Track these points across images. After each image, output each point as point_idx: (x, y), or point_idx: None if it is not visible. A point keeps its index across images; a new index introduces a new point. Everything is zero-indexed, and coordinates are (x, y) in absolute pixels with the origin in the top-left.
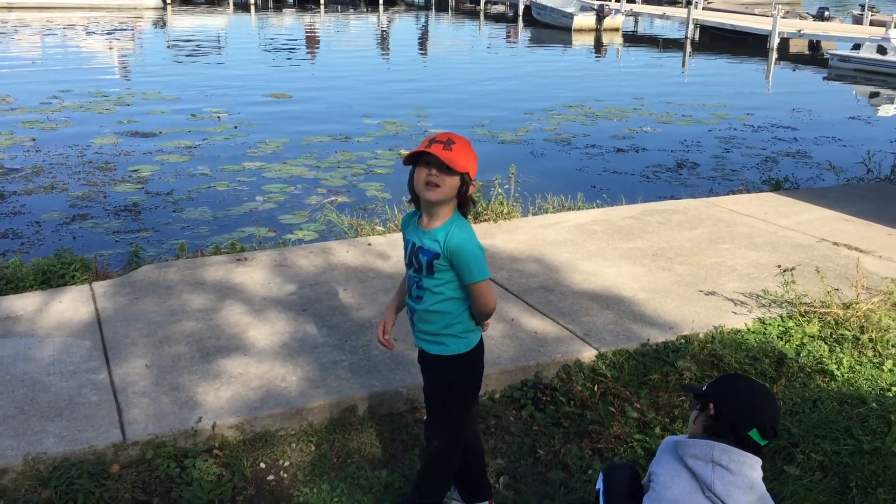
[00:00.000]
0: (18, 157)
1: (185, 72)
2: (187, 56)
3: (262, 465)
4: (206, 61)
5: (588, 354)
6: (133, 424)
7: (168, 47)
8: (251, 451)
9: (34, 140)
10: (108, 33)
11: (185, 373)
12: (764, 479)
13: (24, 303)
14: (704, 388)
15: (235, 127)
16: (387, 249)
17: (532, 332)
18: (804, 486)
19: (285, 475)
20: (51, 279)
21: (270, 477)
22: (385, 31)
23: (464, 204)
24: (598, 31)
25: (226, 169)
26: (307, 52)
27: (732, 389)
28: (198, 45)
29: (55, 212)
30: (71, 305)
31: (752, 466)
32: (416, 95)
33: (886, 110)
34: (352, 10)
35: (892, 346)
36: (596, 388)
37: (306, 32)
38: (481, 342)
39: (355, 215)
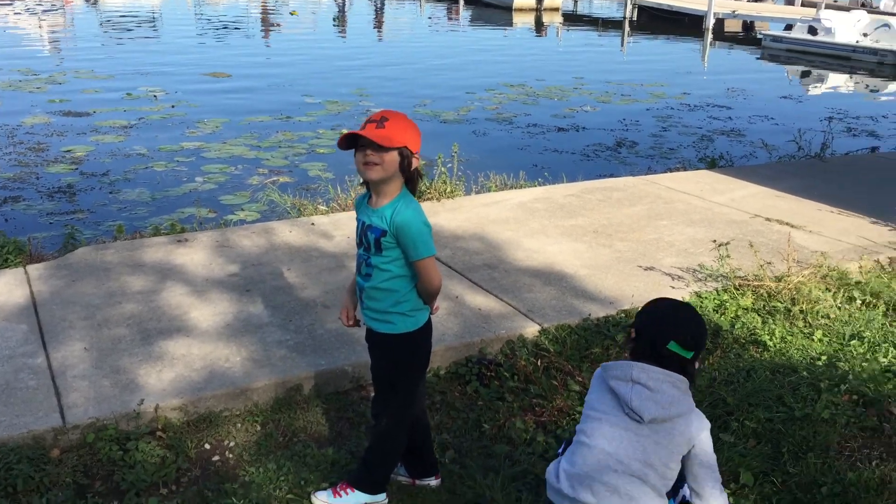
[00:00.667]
0: None
1: (118, 50)
2: (121, 34)
3: (207, 446)
4: (140, 39)
5: (531, 330)
6: (73, 408)
7: (100, 24)
8: (195, 432)
9: None
10: (36, 10)
11: (126, 355)
12: None
13: None
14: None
15: (173, 106)
16: (330, 229)
17: (476, 309)
18: (738, 452)
19: (231, 455)
20: None
21: (216, 457)
22: (342, 9)
23: (410, 179)
24: (538, 10)
25: (164, 149)
26: (261, 30)
27: (651, 309)
28: (132, 23)
29: None
30: (5, 289)
31: (673, 384)
32: (358, 75)
33: (816, 89)
34: None
35: (822, 316)
36: (539, 363)
37: (262, 12)
38: (429, 322)
39: (298, 195)
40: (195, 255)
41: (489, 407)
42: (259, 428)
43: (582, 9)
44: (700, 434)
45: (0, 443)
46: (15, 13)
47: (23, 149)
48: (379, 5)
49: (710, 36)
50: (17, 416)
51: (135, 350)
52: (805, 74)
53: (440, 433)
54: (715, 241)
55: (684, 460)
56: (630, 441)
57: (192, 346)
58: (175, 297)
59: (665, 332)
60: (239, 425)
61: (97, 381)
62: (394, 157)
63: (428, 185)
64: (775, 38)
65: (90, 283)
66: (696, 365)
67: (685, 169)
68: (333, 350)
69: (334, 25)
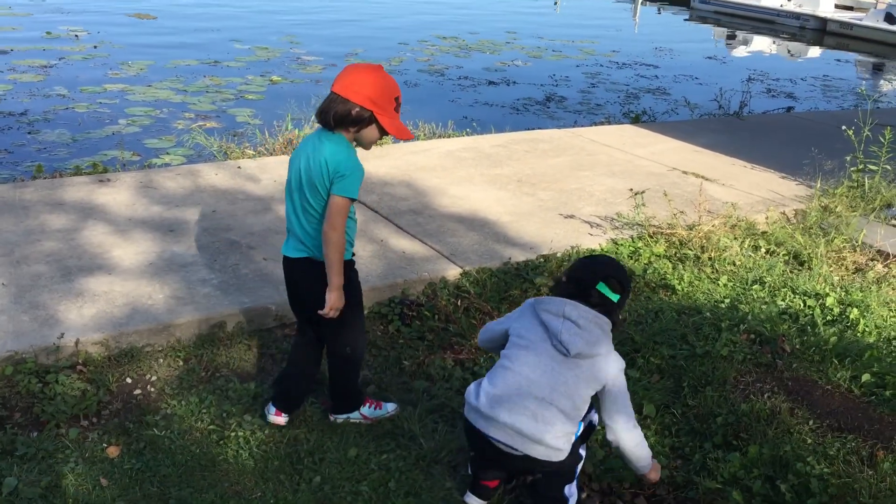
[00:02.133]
0: None
1: None
2: None
3: (129, 381)
4: None
5: (453, 273)
6: None
7: None
8: (117, 366)
9: None
10: None
11: (46, 291)
12: None
13: None
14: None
15: (95, 47)
16: (257, 173)
17: (401, 252)
18: (643, 386)
19: (152, 389)
20: None
21: (137, 391)
22: None
23: None
24: None
25: (85, 90)
26: None
27: (581, 259)
28: None
29: None
30: None
31: (600, 325)
32: (288, 22)
33: (740, 51)
34: None
35: (728, 263)
36: (459, 304)
37: None
38: (352, 259)
39: (225, 140)
40: (118, 195)
41: (409, 345)
42: (182, 363)
43: None
44: (616, 373)
45: None
46: None
47: None
48: None
49: None
50: None
51: (55, 287)
52: (730, 37)
53: (362, 370)
54: (631, 189)
55: (599, 395)
56: (552, 371)
57: (115, 284)
58: (97, 235)
59: (595, 275)
60: (161, 360)
61: (16, 316)
62: None
63: None
64: (704, 0)
65: (8, 221)
66: (620, 315)
67: (610, 123)
68: (257, 289)
69: None
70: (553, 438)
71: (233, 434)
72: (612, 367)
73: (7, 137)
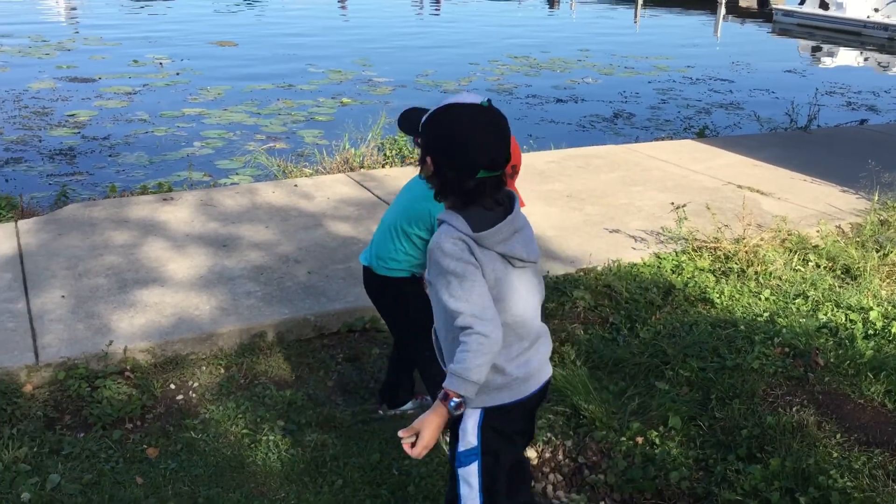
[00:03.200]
0: None
1: (131, 18)
2: (136, 3)
3: (172, 386)
4: (153, 8)
5: None
6: (47, 348)
7: None
8: (161, 373)
9: None
10: None
11: (102, 302)
12: (635, 394)
13: None
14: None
15: (177, 73)
16: (312, 190)
17: None
18: (670, 398)
19: (194, 395)
20: None
21: (179, 396)
22: None
23: None
24: None
25: (165, 115)
26: (339, 6)
27: (446, 134)
28: None
29: None
30: None
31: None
32: (363, 45)
33: (823, 64)
34: None
35: (774, 277)
36: None
37: None
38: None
39: (290, 160)
40: (179, 212)
41: None
42: (223, 371)
43: None
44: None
45: None
46: None
47: (28, 112)
48: None
49: (722, 10)
50: None
51: (110, 298)
52: (815, 49)
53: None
54: (672, 202)
55: None
56: (537, 288)
57: (165, 296)
58: (155, 250)
59: (470, 162)
60: (203, 368)
61: (72, 325)
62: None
63: (410, 149)
64: (787, 13)
65: (75, 237)
66: (509, 172)
67: (671, 139)
68: (299, 301)
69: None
70: None
71: (264, 438)
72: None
73: (89, 160)
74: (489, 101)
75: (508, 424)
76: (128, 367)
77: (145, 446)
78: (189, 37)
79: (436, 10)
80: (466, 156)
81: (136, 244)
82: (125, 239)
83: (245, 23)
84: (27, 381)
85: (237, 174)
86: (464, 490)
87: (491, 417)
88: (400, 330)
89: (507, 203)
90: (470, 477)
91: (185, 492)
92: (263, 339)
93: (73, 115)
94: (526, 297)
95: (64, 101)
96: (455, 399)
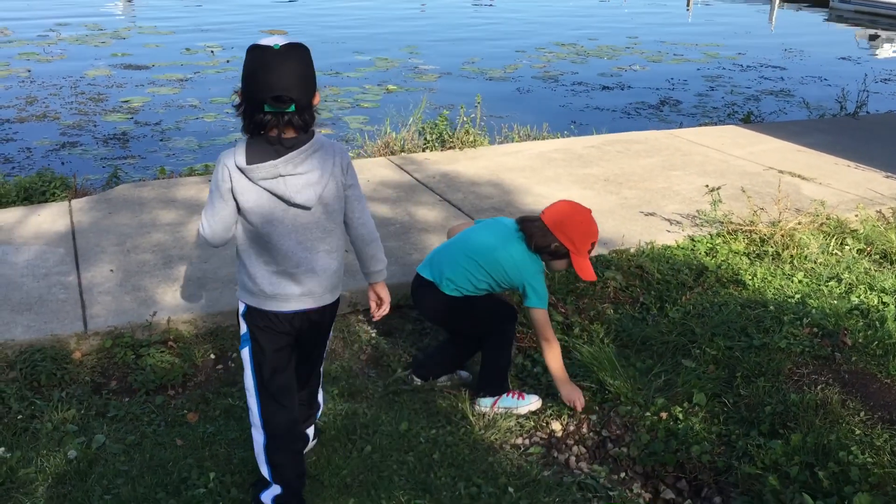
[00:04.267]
0: (13, 88)
1: (186, 8)
2: None
3: (213, 356)
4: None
5: None
6: (95, 318)
7: None
8: (203, 343)
9: (29, 71)
10: None
11: (148, 276)
12: (661, 372)
13: (5, 216)
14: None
15: (228, 61)
16: None
17: None
18: (696, 375)
19: (233, 364)
20: (32, 196)
21: (219, 366)
22: None
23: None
24: None
25: (215, 101)
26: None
27: (244, 71)
28: None
29: (46, 139)
30: (49, 219)
31: (314, 149)
32: (412, 33)
33: (880, 51)
34: None
35: (809, 261)
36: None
37: None
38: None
39: None
40: None
41: None
42: None
43: None
44: (347, 172)
45: (28, 344)
46: None
47: (84, 99)
48: None
49: None
50: (45, 322)
51: (156, 272)
52: (872, 37)
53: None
54: (707, 185)
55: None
56: (316, 228)
57: (208, 272)
58: None
59: (256, 96)
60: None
61: (119, 297)
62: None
63: (450, 134)
64: (844, 0)
65: (125, 216)
66: (316, 102)
67: (715, 124)
68: None
69: None
70: None
71: None
72: (339, 157)
73: (141, 145)
74: (280, 45)
75: (267, 326)
76: (171, 337)
77: (186, 411)
78: (241, 26)
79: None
80: (252, 89)
81: (183, 222)
82: (172, 217)
83: (297, 12)
84: (76, 349)
85: None
86: (245, 369)
87: (252, 315)
88: (464, 330)
89: (294, 146)
90: (245, 358)
91: (221, 453)
92: None
93: (126, 101)
94: (290, 231)
95: (119, 88)
96: None
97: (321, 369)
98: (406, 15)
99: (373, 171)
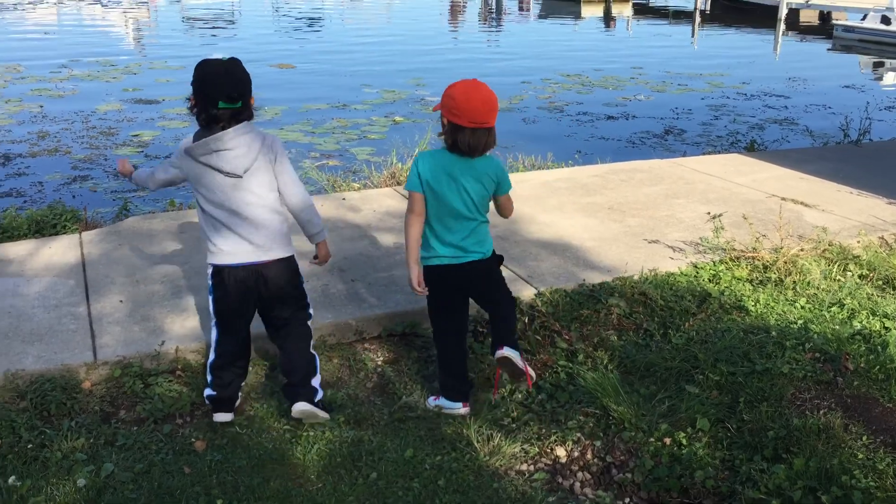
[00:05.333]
0: (26, 123)
1: (195, 43)
2: (200, 28)
3: None
4: (217, 33)
5: (528, 293)
6: (104, 348)
7: (182, 20)
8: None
9: (41, 107)
10: (123, 5)
11: (157, 307)
12: (665, 397)
13: (17, 249)
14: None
15: None
16: (359, 203)
17: None
18: (699, 401)
19: (240, 393)
20: (43, 229)
21: None
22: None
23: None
24: (607, 2)
25: None
26: (448, 23)
27: (196, 76)
28: (212, 18)
29: (57, 173)
30: (59, 251)
31: (243, 132)
32: (418, 65)
33: (883, 80)
34: None
35: (811, 287)
36: (527, 321)
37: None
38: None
39: (340, 176)
40: None
41: (479, 360)
42: (268, 371)
43: (656, 0)
44: (275, 150)
45: (39, 374)
46: (102, 4)
47: (95, 133)
48: None
49: (782, 27)
50: (55, 352)
51: (165, 303)
52: (876, 65)
53: (431, 381)
54: (709, 212)
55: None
56: (253, 195)
57: None
58: None
59: (212, 96)
60: (249, 368)
61: (128, 327)
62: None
63: None
64: (847, 28)
65: (135, 247)
66: (252, 103)
67: (718, 153)
68: (342, 306)
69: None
70: None
71: (304, 434)
72: (269, 144)
73: None
74: (231, 57)
75: (222, 280)
76: (179, 367)
77: (193, 440)
78: (250, 60)
79: (497, 25)
80: (207, 91)
81: (191, 253)
82: (181, 248)
83: (304, 45)
84: (86, 378)
85: None
86: (212, 316)
87: (214, 273)
88: (501, 294)
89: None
90: (210, 305)
91: (228, 481)
92: None
93: (137, 135)
94: (228, 197)
95: (129, 122)
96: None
97: (306, 328)
98: (415, 50)
99: (379, 201)
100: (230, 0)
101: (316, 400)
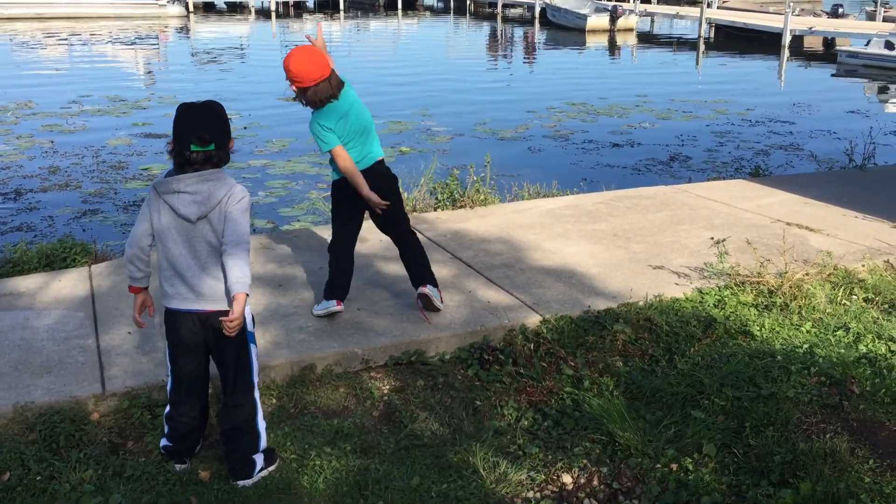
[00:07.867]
0: (37, 158)
1: (204, 77)
2: (209, 63)
3: None
4: (226, 67)
5: (533, 320)
6: (112, 379)
7: (192, 55)
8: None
9: (52, 142)
10: (133, 42)
11: (162, 339)
12: (671, 423)
13: (27, 282)
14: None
15: (245, 128)
16: (364, 233)
17: (486, 302)
18: (706, 426)
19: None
20: (53, 262)
21: None
22: (500, 36)
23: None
24: (611, 31)
25: (231, 167)
26: (525, 59)
27: (175, 117)
28: (220, 52)
29: (68, 207)
30: (69, 284)
31: (205, 179)
32: (426, 96)
33: (888, 104)
34: (371, 15)
35: (816, 310)
36: (532, 347)
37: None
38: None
39: None
40: None
41: (486, 388)
42: (274, 401)
43: (660, 29)
44: (231, 204)
45: (48, 406)
46: (112, 41)
47: (105, 167)
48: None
49: (786, 53)
50: (64, 384)
51: None
52: (881, 90)
53: (437, 410)
54: (712, 237)
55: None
56: (197, 241)
57: None
58: None
59: (184, 138)
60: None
61: (136, 358)
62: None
63: (461, 193)
64: (851, 54)
65: None
66: (230, 146)
67: (724, 179)
68: (348, 336)
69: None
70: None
71: (311, 463)
72: (226, 195)
73: None
74: (208, 100)
75: (171, 325)
76: None
77: (200, 470)
78: (258, 94)
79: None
80: (181, 132)
81: None
82: None
83: None
84: (94, 410)
85: (298, 221)
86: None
87: (165, 316)
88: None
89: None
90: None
91: None
92: (313, 371)
93: (146, 168)
94: (174, 241)
95: (139, 156)
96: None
97: (248, 383)
98: (420, 80)
99: (380, 232)
100: (238, 35)
101: (256, 471)
